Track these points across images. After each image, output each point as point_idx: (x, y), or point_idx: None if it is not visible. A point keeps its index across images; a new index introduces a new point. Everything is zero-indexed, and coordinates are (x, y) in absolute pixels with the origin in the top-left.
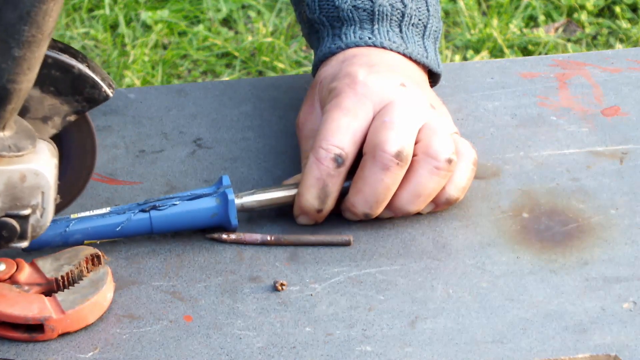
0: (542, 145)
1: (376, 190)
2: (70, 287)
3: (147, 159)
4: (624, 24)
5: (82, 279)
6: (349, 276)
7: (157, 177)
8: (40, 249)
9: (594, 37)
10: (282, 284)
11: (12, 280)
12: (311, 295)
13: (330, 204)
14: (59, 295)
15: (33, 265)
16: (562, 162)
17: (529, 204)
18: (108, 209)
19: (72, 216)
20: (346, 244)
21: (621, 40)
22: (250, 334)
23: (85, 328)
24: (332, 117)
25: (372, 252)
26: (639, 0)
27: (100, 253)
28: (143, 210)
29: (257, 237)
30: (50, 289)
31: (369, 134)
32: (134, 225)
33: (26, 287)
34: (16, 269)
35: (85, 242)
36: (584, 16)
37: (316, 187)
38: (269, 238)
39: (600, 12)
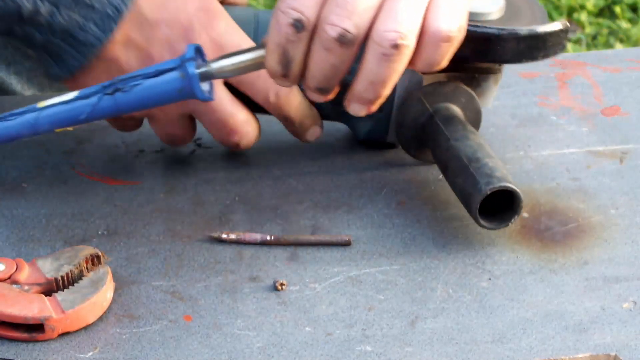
0: (542, 145)
1: (323, 69)
2: (70, 286)
3: (147, 159)
4: (624, 24)
5: (82, 279)
6: (349, 276)
7: (157, 177)
8: (10, 141)
9: (594, 37)
10: (282, 284)
11: (12, 280)
12: (311, 295)
13: (295, 69)
14: (59, 295)
15: (33, 265)
16: (562, 162)
17: (529, 204)
18: (75, 93)
19: (39, 105)
20: (346, 244)
21: (621, 40)
22: (250, 334)
23: (85, 328)
24: None
25: (372, 252)
26: (639, 0)
27: (100, 253)
28: (108, 94)
29: (257, 236)
30: (50, 288)
31: (323, 4)
32: (100, 109)
33: (26, 287)
34: (16, 269)
35: (56, 130)
36: (584, 16)
37: (276, 53)
38: (269, 238)
39: (600, 12)
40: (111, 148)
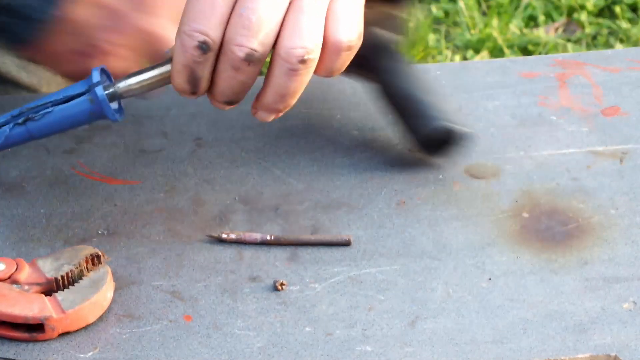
0: (542, 145)
1: (231, 86)
2: (70, 286)
3: (147, 159)
4: (624, 24)
5: (82, 279)
6: (349, 276)
7: (157, 176)
8: None
9: (594, 37)
10: (282, 284)
11: (12, 279)
12: (311, 295)
13: (203, 86)
14: (59, 295)
15: (33, 264)
16: (562, 162)
17: (529, 204)
18: None
19: None
20: (346, 243)
21: (621, 40)
22: (250, 334)
23: (85, 328)
24: None
25: (372, 252)
26: (639, 0)
27: (100, 253)
28: (18, 124)
29: (257, 236)
30: (50, 288)
31: (228, 24)
32: (13, 138)
33: (26, 287)
34: (16, 269)
35: None
36: (584, 16)
37: (184, 73)
38: (269, 238)
39: (600, 12)
40: (111, 148)
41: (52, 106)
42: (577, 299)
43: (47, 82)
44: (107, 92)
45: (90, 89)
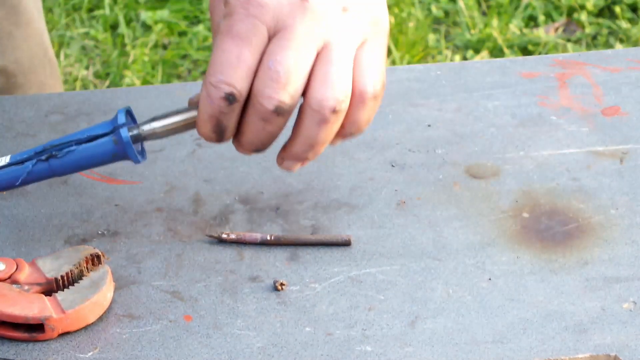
0: (542, 145)
1: (259, 136)
2: (70, 286)
3: (147, 159)
4: (624, 24)
5: (82, 279)
6: (349, 276)
7: (157, 176)
8: None
9: (594, 37)
10: (282, 284)
11: (12, 279)
12: (311, 295)
13: (229, 134)
14: (59, 295)
15: (33, 264)
16: (562, 162)
17: (529, 204)
18: (7, 159)
19: None
20: (346, 243)
21: (621, 40)
22: (250, 334)
23: (85, 328)
24: (222, 45)
25: (372, 252)
26: (639, 0)
27: (100, 253)
28: (40, 160)
29: (257, 236)
30: (50, 288)
31: (256, 76)
32: (35, 175)
33: (26, 287)
34: (16, 269)
35: None
36: (584, 16)
37: (210, 123)
38: (269, 238)
39: (600, 12)
40: None
41: (75, 145)
42: (577, 299)
43: (1, 57)
44: (131, 134)
45: (114, 130)
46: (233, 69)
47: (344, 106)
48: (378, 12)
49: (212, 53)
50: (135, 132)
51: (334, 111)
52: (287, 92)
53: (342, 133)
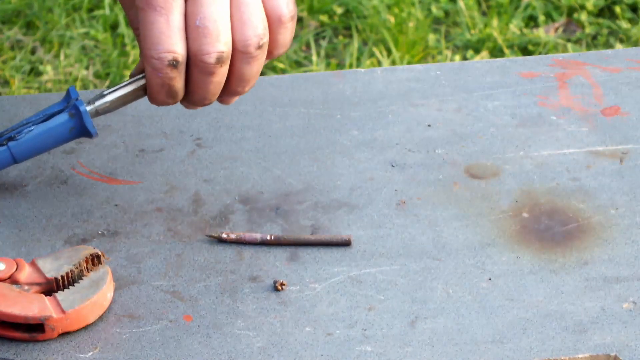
0: (542, 145)
1: (208, 89)
2: (70, 286)
3: (147, 159)
4: (624, 24)
5: (82, 279)
6: (349, 276)
7: (157, 176)
8: None
9: (594, 37)
10: (282, 284)
11: (12, 279)
12: (311, 295)
13: (180, 95)
14: (59, 295)
15: (33, 264)
16: (562, 162)
17: (529, 204)
18: None
19: None
20: (346, 243)
21: (621, 40)
22: (250, 334)
23: (86, 328)
24: (148, 19)
25: (372, 252)
26: (639, 0)
27: (100, 253)
28: (1, 145)
29: (257, 236)
30: (50, 288)
31: (188, 38)
32: None
33: (26, 287)
34: (16, 269)
35: None
36: (584, 16)
37: (163, 91)
38: (269, 238)
39: (600, 12)
40: (111, 148)
41: (33, 125)
42: (577, 299)
43: None
44: (88, 108)
45: (69, 104)
46: (168, 37)
47: (266, 39)
48: None
49: (141, 30)
50: (90, 107)
51: (259, 46)
52: (221, 42)
53: (271, 55)
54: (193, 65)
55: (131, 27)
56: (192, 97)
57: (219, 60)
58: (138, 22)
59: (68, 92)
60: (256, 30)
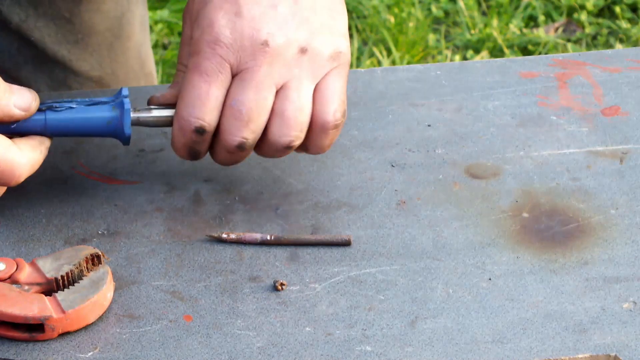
0: (542, 145)
1: (227, 162)
2: (70, 286)
3: (147, 159)
4: (624, 24)
5: (82, 279)
6: (349, 276)
7: (157, 176)
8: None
9: (594, 37)
10: (282, 284)
11: (12, 280)
12: (311, 295)
13: (203, 156)
14: (59, 295)
15: (33, 264)
16: (562, 162)
17: (529, 203)
18: None
19: None
20: (346, 243)
21: (621, 40)
22: (250, 334)
23: (85, 328)
24: (192, 82)
25: (372, 252)
26: (639, 0)
27: (100, 253)
28: (39, 110)
29: (257, 236)
30: (50, 288)
31: (222, 114)
32: (28, 123)
33: (26, 287)
34: (16, 269)
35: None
36: (583, 16)
37: (184, 150)
38: (269, 238)
39: (600, 12)
40: (111, 148)
41: (76, 104)
42: (577, 299)
43: (98, 67)
44: (132, 115)
45: (117, 100)
46: (203, 104)
47: (298, 142)
48: (337, 47)
49: (181, 88)
50: (134, 113)
51: (288, 147)
52: (249, 129)
53: (306, 152)
54: (218, 138)
55: (178, 61)
56: (213, 158)
57: (240, 146)
58: (184, 68)
59: (120, 90)
60: (290, 130)
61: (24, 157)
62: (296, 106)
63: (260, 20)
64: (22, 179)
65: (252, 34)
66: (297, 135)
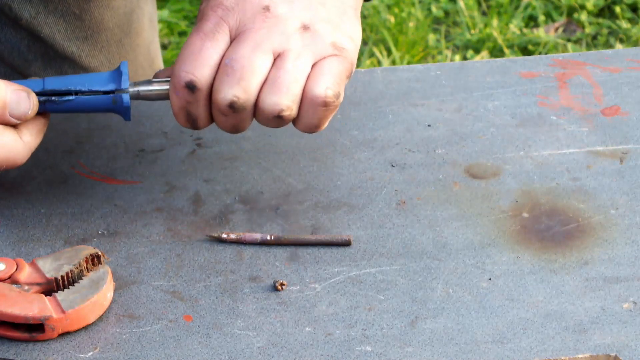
0: (542, 145)
1: (227, 127)
2: (70, 286)
3: (147, 159)
4: (624, 24)
5: (82, 279)
6: (349, 276)
7: (157, 176)
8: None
9: (594, 37)
10: (282, 284)
11: (12, 280)
12: (311, 295)
13: (202, 122)
14: (59, 295)
15: (33, 265)
16: (562, 162)
17: (529, 203)
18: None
19: None
20: (346, 243)
21: (621, 40)
22: (250, 334)
23: (85, 328)
24: (189, 41)
25: (372, 252)
26: (639, 0)
27: (100, 253)
28: (40, 102)
29: (257, 236)
30: (50, 288)
31: (216, 72)
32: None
33: (26, 287)
34: (16, 269)
35: None
36: (584, 16)
37: (181, 114)
38: (269, 238)
39: (600, 12)
40: (111, 148)
41: (74, 95)
42: (577, 299)
43: (107, 63)
44: (131, 89)
45: (115, 91)
46: (195, 59)
47: (289, 113)
48: (340, 40)
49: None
50: (133, 88)
51: (278, 117)
52: (240, 87)
53: (297, 127)
54: (212, 100)
55: None
56: (216, 124)
57: (232, 105)
58: None
59: (119, 67)
60: (281, 98)
61: (20, 142)
62: (290, 76)
63: None
64: (19, 163)
65: None
66: (288, 105)
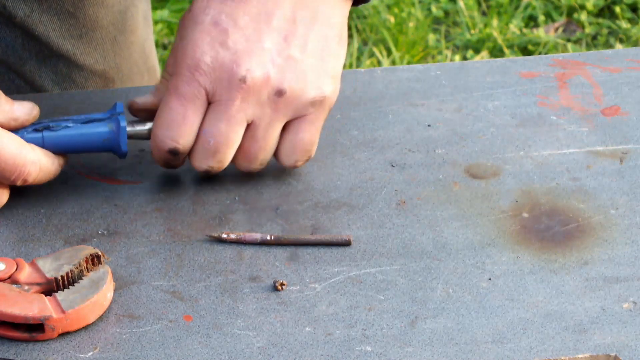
0: (542, 145)
1: (204, 172)
2: (70, 286)
3: (147, 159)
4: (624, 24)
5: (82, 279)
6: (349, 276)
7: (157, 176)
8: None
9: (594, 37)
10: (282, 284)
11: (12, 279)
12: (311, 295)
13: (179, 166)
14: (59, 295)
15: (33, 264)
16: (562, 162)
17: (529, 203)
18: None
19: None
20: (346, 243)
21: (621, 40)
22: (250, 334)
23: (85, 328)
24: (169, 104)
25: (372, 252)
26: (639, 0)
27: (100, 253)
28: (36, 130)
29: (257, 236)
30: (50, 288)
31: (197, 136)
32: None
33: (26, 287)
34: (16, 269)
35: None
36: (583, 16)
37: (161, 163)
38: (269, 238)
39: (600, 12)
40: None
41: (72, 123)
42: (577, 299)
43: (102, 61)
44: (127, 126)
45: (112, 116)
46: (178, 128)
47: (259, 169)
48: (321, 92)
49: (160, 108)
50: (129, 127)
51: (249, 174)
52: (215, 159)
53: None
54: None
55: (164, 68)
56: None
57: (207, 172)
58: (168, 76)
59: (114, 106)
60: (250, 165)
61: (35, 155)
62: (260, 145)
63: (242, 55)
64: (30, 177)
65: (232, 67)
66: (258, 168)
